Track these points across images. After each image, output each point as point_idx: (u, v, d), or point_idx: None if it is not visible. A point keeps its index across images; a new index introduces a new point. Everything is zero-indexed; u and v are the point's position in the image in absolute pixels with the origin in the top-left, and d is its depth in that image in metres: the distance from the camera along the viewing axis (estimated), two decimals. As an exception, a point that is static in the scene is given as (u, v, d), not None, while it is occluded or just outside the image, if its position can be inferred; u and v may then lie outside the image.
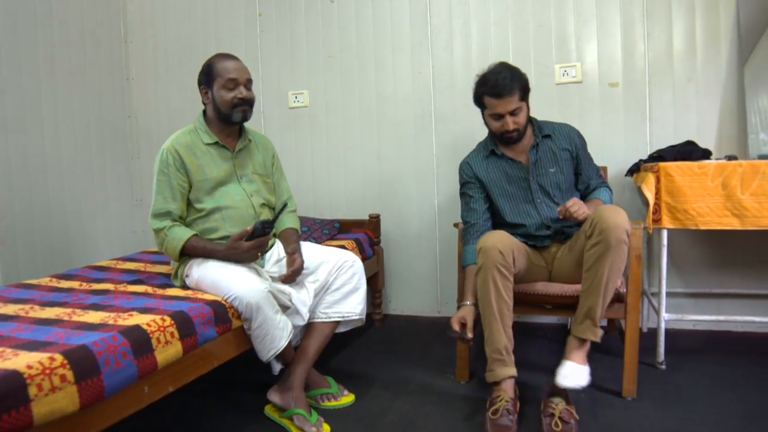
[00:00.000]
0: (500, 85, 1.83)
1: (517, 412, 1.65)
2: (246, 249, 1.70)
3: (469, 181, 2.06)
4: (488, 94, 1.88)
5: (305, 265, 1.86)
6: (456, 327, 1.76)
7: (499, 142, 2.01)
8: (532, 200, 1.96)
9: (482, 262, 1.72)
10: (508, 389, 1.68)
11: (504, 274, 1.71)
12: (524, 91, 1.89)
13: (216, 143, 1.85)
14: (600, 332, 1.70)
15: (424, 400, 1.86)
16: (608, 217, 1.64)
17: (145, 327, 1.29)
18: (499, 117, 1.89)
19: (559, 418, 1.57)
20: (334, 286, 1.85)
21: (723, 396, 1.80)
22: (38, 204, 2.67)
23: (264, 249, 1.79)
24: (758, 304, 2.40)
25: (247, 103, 1.83)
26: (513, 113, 1.88)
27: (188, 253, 1.75)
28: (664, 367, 2.04)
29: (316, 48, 2.93)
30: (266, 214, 1.92)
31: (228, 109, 1.79)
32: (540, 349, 2.31)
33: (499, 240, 1.73)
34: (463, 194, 2.09)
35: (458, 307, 1.87)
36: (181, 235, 1.74)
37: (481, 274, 1.72)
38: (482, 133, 2.68)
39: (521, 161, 1.99)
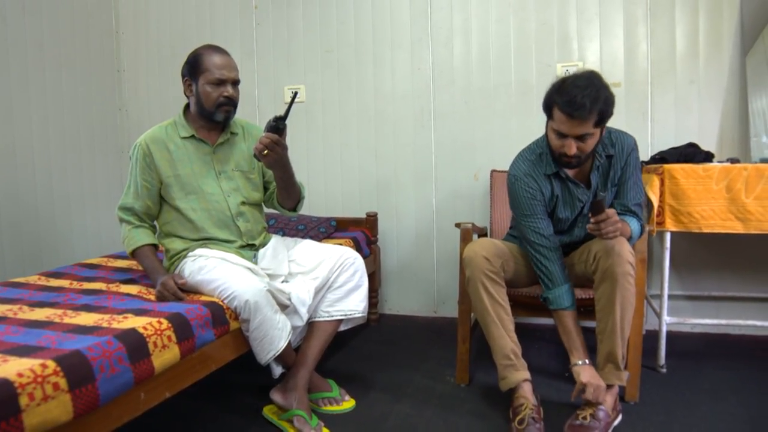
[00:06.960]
0: (576, 104, 1.50)
1: (542, 419, 1.60)
2: (172, 292, 1.55)
3: (535, 199, 1.73)
4: (559, 108, 1.55)
5: (303, 264, 1.81)
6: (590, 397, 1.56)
7: (555, 160, 1.71)
8: (576, 220, 1.79)
9: (470, 273, 1.69)
10: (528, 395, 1.64)
11: (494, 279, 1.67)
12: (603, 117, 1.55)
13: (192, 137, 1.79)
14: (626, 375, 1.66)
15: (425, 404, 1.82)
16: (611, 252, 1.57)
17: (141, 330, 1.24)
18: (563, 136, 1.59)
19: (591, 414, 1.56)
20: (336, 284, 1.80)
21: (725, 401, 1.79)
22: (25, 198, 2.59)
23: (275, 149, 1.61)
24: (756, 308, 2.40)
25: (232, 103, 1.77)
26: (580, 138, 1.57)
27: (135, 259, 1.78)
28: (664, 370, 2.03)
29: (314, 42, 2.87)
30: (248, 213, 1.84)
31: (212, 106, 1.74)
32: (540, 351, 2.29)
33: (482, 248, 1.69)
34: (529, 216, 1.73)
35: (573, 370, 1.65)
36: (138, 239, 1.75)
37: (471, 285, 1.69)
38: (481, 132, 2.66)
39: (582, 183, 1.74)
